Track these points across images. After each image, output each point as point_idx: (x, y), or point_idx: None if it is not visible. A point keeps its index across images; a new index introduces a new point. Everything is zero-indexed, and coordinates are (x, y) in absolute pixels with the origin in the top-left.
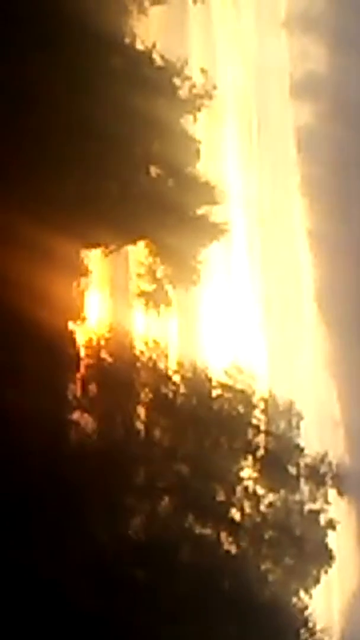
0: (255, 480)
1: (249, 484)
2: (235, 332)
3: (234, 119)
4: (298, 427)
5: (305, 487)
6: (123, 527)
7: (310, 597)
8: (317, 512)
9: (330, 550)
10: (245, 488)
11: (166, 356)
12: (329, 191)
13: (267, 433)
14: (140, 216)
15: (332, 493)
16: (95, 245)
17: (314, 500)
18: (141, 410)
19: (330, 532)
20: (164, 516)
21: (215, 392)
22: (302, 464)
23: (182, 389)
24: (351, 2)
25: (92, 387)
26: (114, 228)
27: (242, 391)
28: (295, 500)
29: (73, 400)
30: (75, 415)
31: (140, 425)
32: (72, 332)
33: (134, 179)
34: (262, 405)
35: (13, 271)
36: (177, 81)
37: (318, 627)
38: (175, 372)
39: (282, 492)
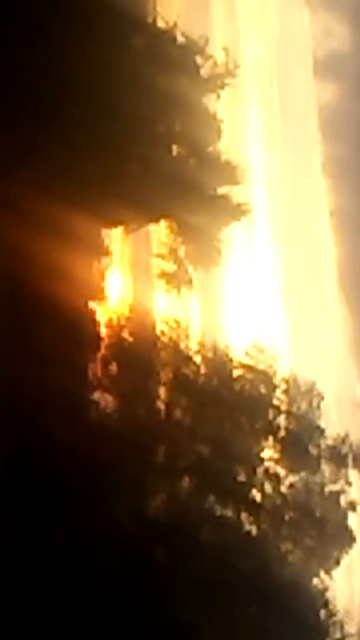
0: (276, 461)
1: (270, 464)
2: (257, 312)
3: (257, 98)
4: (319, 408)
5: (326, 468)
6: (144, 507)
7: (331, 578)
8: (337, 493)
9: (351, 532)
10: (266, 469)
11: (187, 336)
12: (352, 171)
13: (288, 414)
14: (162, 195)
15: (353, 474)
16: (117, 224)
17: (334, 481)
18: (162, 391)
19: (351, 513)
20: (184, 496)
21: (236, 373)
22: (323, 445)
23: (203, 370)
24: None
25: (113, 367)
26: (136, 207)
27: (264, 372)
28: (316, 482)
29: (94, 379)
30: (96, 395)
31: (160, 405)
32: (93, 312)
33: (156, 158)
34: (283, 386)
35: (35, 251)
36: (199, 60)
37: (339, 609)
38: (197, 352)
39: (303, 473)
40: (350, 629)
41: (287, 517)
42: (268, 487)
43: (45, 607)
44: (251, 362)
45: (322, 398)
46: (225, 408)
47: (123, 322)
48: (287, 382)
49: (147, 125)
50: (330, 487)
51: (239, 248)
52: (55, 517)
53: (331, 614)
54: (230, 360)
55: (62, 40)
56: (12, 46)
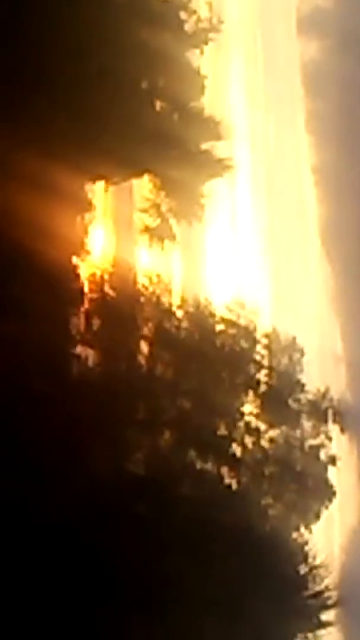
0: (257, 416)
1: (251, 419)
2: (239, 267)
3: (240, 54)
4: (300, 363)
5: (306, 423)
6: (124, 461)
7: (311, 532)
8: (318, 448)
9: (331, 486)
10: (247, 423)
11: (169, 291)
12: (335, 127)
13: (269, 369)
14: (145, 150)
15: (333, 429)
16: (100, 178)
17: (315, 435)
18: (144, 345)
19: (331, 467)
20: (165, 450)
21: (218, 328)
22: (303, 399)
23: (185, 324)
24: None
25: (95, 321)
26: (118, 161)
27: (245, 327)
28: (296, 436)
29: (76, 334)
30: (78, 349)
31: (142, 360)
32: (75, 267)
33: (138, 113)
34: (264, 341)
35: (17, 205)
36: (183, 15)
37: (318, 562)
38: (179, 307)
39: (284, 427)
40: (329, 582)
41: (267, 472)
42: (248, 441)
43: (23, 566)
44: (232, 317)
45: (303, 353)
46: (207, 363)
47: (105, 276)
48: (268, 337)
49: (131, 80)
50: (310, 442)
51: (222, 203)
52: (34, 471)
53: (310, 568)
54: (212, 315)
55: None
56: None
